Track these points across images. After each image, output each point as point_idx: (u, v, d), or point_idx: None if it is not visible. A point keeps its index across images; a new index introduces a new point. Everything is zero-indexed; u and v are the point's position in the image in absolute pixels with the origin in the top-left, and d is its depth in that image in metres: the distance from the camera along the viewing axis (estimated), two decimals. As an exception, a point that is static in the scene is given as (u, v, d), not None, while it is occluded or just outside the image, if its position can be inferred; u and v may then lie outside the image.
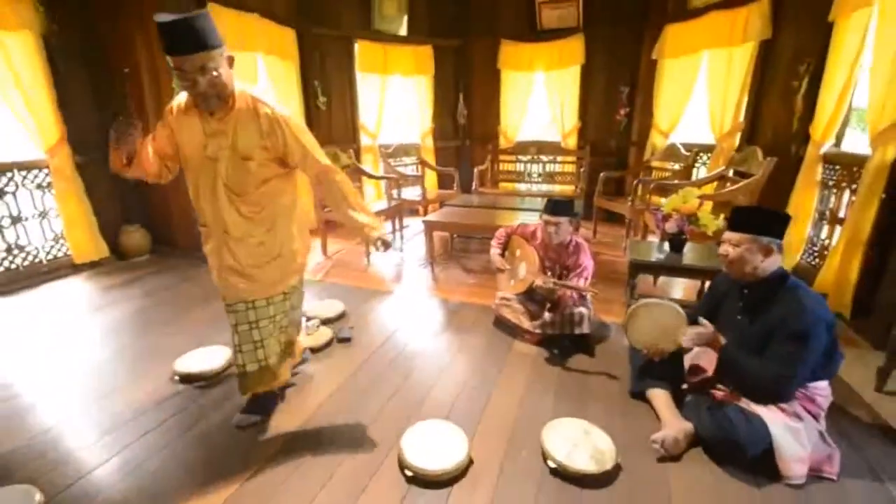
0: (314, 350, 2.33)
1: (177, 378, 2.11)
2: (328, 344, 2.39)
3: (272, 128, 1.52)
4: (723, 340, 1.64)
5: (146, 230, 4.03)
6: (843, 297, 2.53)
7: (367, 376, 2.14)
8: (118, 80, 3.69)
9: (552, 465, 1.52)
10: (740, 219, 1.65)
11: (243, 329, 1.68)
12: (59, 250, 3.66)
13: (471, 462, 1.56)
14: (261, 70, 3.95)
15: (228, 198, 1.56)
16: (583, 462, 1.49)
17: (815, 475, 1.50)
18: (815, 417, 1.58)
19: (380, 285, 3.32)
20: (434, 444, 1.59)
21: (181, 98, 1.56)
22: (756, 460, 1.51)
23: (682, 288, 3.23)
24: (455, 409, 1.87)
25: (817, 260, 3.07)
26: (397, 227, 4.32)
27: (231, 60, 1.45)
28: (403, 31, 5.02)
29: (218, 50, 1.37)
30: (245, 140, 1.51)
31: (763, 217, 1.61)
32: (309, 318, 2.59)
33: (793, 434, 1.50)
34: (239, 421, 1.81)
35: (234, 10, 3.63)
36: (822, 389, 1.61)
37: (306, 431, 1.77)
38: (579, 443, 1.58)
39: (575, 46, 4.85)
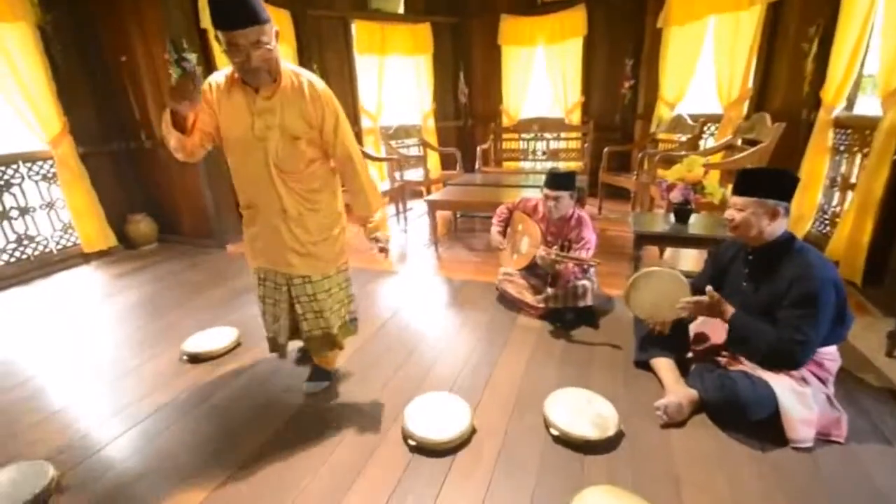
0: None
1: (185, 358, 2.14)
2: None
3: (315, 101, 1.51)
4: (730, 308, 1.61)
5: (152, 219, 4.06)
6: (855, 264, 2.48)
7: (372, 352, 2.15)
8: (115, 69, 3.69)
9: (554, 432, 1.52)
10: (745, 182, 1.61)
11: (304, 300, 1.68)
12: (68, 240, 3.72)
13: (474, 431, 1.57)
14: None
15: (281, 178, 1.53)
16: (584, 428, 1.50)
17: (823, 439, 1.48)
18: (823, 382, 1.56)
19: (385, 266, 3.33)
20: (437, 415, 1.60)
21: (218, 77, 1.50)
22: (761, 424, 1.50)
23: (689, 259, 3.19)
24: (458, 382, 1.88)
25: (828, 228, 3.01)
26: (401, 209, 4.31)
27: (278, 34, 1.42)
28: (401, 10, 4.93)
29: (269, 24, 1.34)
30: (292, 117, 1.48)
31: (768, 179, 1.57)
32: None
33: (799, 397, 1.48)
34: (308, 389, 1.87)
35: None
36: (829, 354, 1.59)
37: (313, 406, 1.80)
38: (582, 410, 1.58)
39: (576, 18, 4.72)
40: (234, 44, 1.31)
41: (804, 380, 1.53)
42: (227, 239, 3.88)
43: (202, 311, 2.68)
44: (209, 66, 3.54)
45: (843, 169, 2.91)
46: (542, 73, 5.18)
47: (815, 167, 3.01)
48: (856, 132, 2.78)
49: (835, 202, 2.99)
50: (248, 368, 2.07)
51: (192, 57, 3.31)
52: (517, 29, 5.01)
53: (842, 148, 2.92)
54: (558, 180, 2.28)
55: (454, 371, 1.96)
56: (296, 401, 1.82)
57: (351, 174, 1.66)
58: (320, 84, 1.55)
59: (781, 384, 1.50)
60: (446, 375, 1.94)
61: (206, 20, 3.38)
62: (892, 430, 1.52)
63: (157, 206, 4.09)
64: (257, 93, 1.44)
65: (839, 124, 2.89)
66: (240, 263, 3.51)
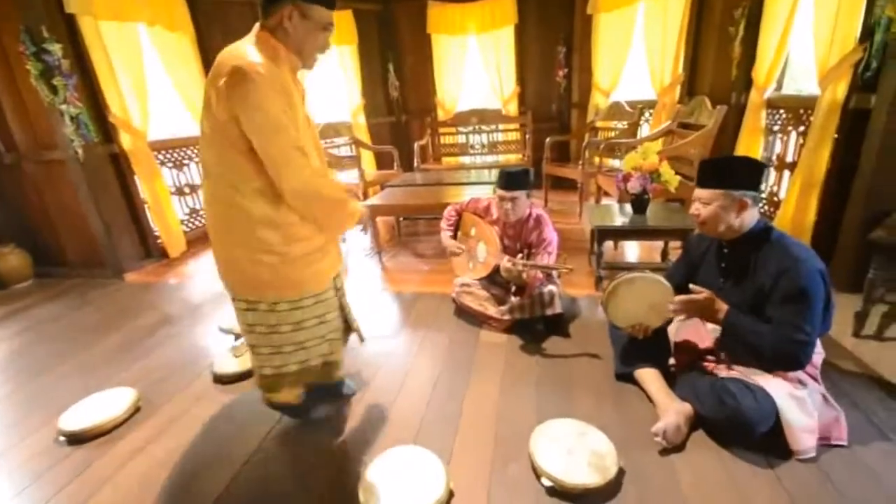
0: (242, 377, 1.93)
1: (62, 439, 1.63)
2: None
3: None
4: (724, 306, 1.45)
5: (24, 250, 3.31)
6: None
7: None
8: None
9: (547, 482, 1.27)
10: (709, 173, 1.46)
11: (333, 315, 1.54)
12: None
13: (451, 496, 1.28)
14: (145, 43, 3.28)
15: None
16: (582, 474, 1.26)
17: (825, 444, 1.37)
18: (815, 379, 1.45)
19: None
20: (405, 480, 1.29)
21: (256, 58, 1.17)
22: (762, 437, 1.35)
23: (642, 249, 3.12)
24: (424, 427, 1.58)
25: (768, 207, 3.06)
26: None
27: None
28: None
29: None
30: None
31: (731, 168, 1.43)
32: (236, 336, 2.17)
33: (798, 403, 1.35)
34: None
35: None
36: (816, 347, 1.49)
37: (241, 488, 1.40)
38: (574, 449, 1.35)
39: (506, 5, 4.55)
40: (331, 24, 1.28)
41: (800, 381, 1.41)
42: (124, 266, 3.23)
43: (92, 367, 2.13)
44: (81, 60, 2.89)
45: (777, 149, 2.96)
46: (476, 64, 4.97)
47: (750, 148, 3.04)
48: (789, 111, 2.82)
49: (772, 181, 3.05)
50: (149, 444, 1.61)
51: (56, 48, 2.66)
52: (446, 17, 4.74)
53: (776, 128, 2.97)
54: (513, 179, 2.04)
55: (417, 413, 1.65)
56: (215, 486, 1.41)
57: None
58: None
59: (780, 391, 1.36)
60: (408, 419, 1.62)
61: (73, 3, 2.73)
62: (886, 423, 1.45)
63: (29, 233, 3.34)
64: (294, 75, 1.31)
65: (771, 105, 2.93)
66: (143, 295, 2.92)
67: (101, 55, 2.96)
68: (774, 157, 2.98)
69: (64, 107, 2.74)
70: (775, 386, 1.38)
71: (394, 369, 1.92)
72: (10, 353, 2.35)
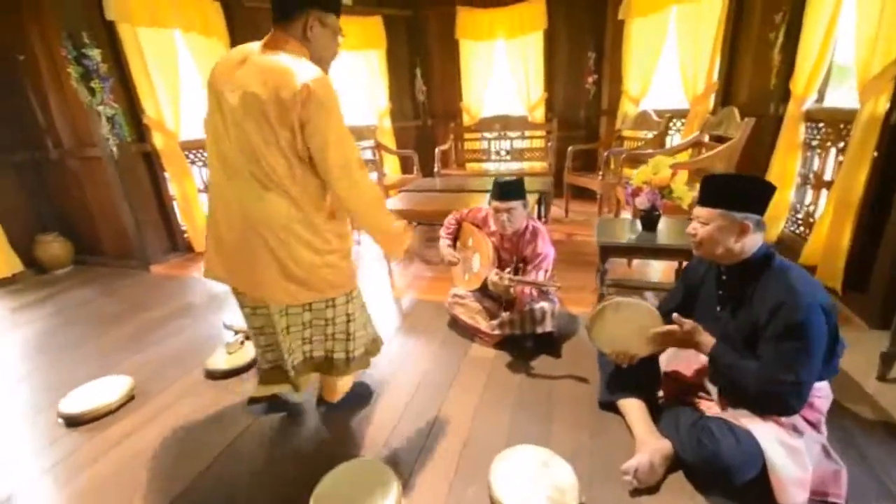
0: (234, 372, 1.99)
1: (60, 421, 1.74)
2: (252, 365, 2.03)
3: None
4: (709, 340, 1.34)
5: (66, 239, 3.58)
6: (835, 269, 2.27)
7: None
8: (13, 70, 3.21)
9: (501, 512, 1.22)
10: (710, 190, 1.35)
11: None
12: (-39, 268, 3.22)
13: (401, 515, 1.26)
14: (181, 48, 3.46)
15: None
16: (537, 507, 1.20)
17: (819, 500, 1.23)
18: (816, 426, 1.31)
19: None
20: (356, 495, 1.27)
21: (317, 71, 1.23)
22: (746, 486, 1.23)
23: (659, 269, 2.95)
24: (392, 440, 1.56)
25: (802, 228, 2.82)
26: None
27: None
28: (348, 1, 4.56)
29: None
30: None
31: (736, 187, 1.31)
32: (236, 332, 2.25)
33: (790, 452, 1.22)
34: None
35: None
36: (820, 390, 1.34)
37: (207, 487, 1.44)
38: (535, 479, 1.28)
39: (536, 10, 4.46)
40: (341, 31, 1.33)
41: (795, 428, 1.27)
42: (151, 259, 3.43)
43: (101, 354, 2.26)
44: (119, 64, 3.10)
45: (816, 166, 2.73)
46: (503, 69, 4.91)
47: (787, 164, 2.82)
48: (829, 126, 2.59)
49: (808, 201, 2.81)
50: (135, 432, 1.68)
51: (95, 53, 2.86)
52: (475, 22, 4.71)
53: (814, 143, 2.73)
54: (508, 189, 1.98)
55: (389, 424, 1.63)
56: (185, 478, 1.45)
57: None
58: None
59: (768, 435, 1.24)
60: (378, 431, 1.61)
61: (112, 10, 2.94)
62: (897, 482, 1.29)
63: (71, 224, 3.61)
64: None
65: (810, 118, 2.70)
66: (164, 287, 3.09)
67: (138, 60, 3.15)
68: (811, 174, 2.75)
69: (101, 108, 2.95)
70: (764, 430, 1.25)
71: (374, 378, 1.91)
72: (41, 333, 2.55)
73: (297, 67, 1.18)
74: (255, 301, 1.45)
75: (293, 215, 1.28)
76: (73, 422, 1.73)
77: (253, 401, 1.70)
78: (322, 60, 1.29)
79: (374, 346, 1.69)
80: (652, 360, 1.57)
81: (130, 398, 1.86)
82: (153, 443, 1.62)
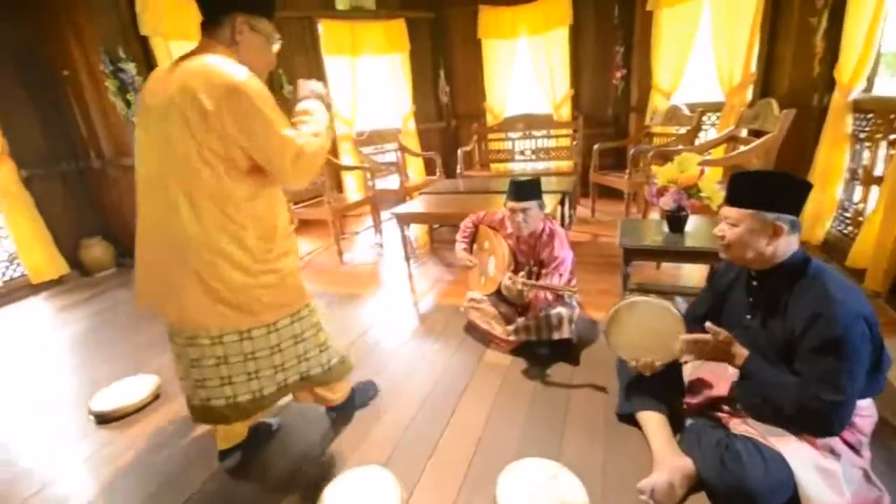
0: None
1: (91, 418, 1.83)
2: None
3: None
4: (743, 352, 1.24)
5: (108, 242, 3.79)
6: (883, 271, 2.08)
7: (295, 408, 1.77)
8: (58, 84, 3.42)
9: (505, 528, 1.18)
10: (739, 189, 1.25)
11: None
12: (14, 271, 3.46)
13: (403, 527, 1.24)
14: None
15: None
16: (544, 524, 1.15)
17: (858, 530, 1.12)
18: (856, 449, 1.19)
19: (347, 288, 2.99)
20: None
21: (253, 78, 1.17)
22: (776, 510, 1.14)
23: (690, 273, 2.80)
24: (400, 448, 1.54)
25: (850, 228, 2.61)
26: (376, 221, 3.97)
27: None
28: (371, 5, 4.60)
29: None
30: None
31: (768, 185, 1.21)
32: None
33: (825, 477, 1.12)
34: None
35: (171, -5, 3.28)
36: (863, 409, 1.22)
37: (221, 489, 1.47)
38: (542, 493, 1.23)
39: (561, 5, 4.35)
40: (278, 37, 1.29)
41: (832, 451, 1.16)
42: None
43: (134, 352, 2.37)
44: (153, 77, 3.25)
45: (865, 159, 2.51)
46: (526, 67, 4.82)
47: (833, 158, 2.61)
48: (879, 116, 2.38)
49: (857, 198, 2.59)
50: (158, 429, 1.75)
51: (130, 67, 3.01)
52: (498, 21, 4.65)
53: (862, 135, 2.52)
54: (523, 188, 1.93)
55: (397, 432, 1.62)
56: (197, 477, 1.49)
57: None
58: None
59: (802, 459, 1.14)
60: (387, 437, 1.59)
61: (146, 26, 3.08)
62: (953, 513, 1.15)
63: (112, 228, 3.81)
64: None
65: (858, 108, 2.49)
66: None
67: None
68: (860, 169, 2.53)
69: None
70: (797, 452, 1.15)
71: (386, 383, 1.89)
72: (86, 330, 2.72)
73: (224, 68, 1.10)
74: (190, 329, 1.26)
75: (221, 233, 1.16)
76: (102, 419, 1.82)
77: (224, 455, 1.50)
78: (253, 69, 1.17)
79: (344, 366, 1.54)
80: (674, 368, 1.48)
81: (156, 397, 1.94)
82: (171, 439, 1.69)
